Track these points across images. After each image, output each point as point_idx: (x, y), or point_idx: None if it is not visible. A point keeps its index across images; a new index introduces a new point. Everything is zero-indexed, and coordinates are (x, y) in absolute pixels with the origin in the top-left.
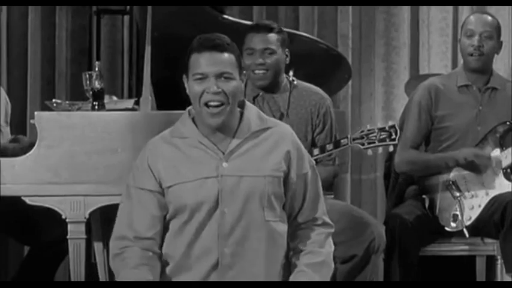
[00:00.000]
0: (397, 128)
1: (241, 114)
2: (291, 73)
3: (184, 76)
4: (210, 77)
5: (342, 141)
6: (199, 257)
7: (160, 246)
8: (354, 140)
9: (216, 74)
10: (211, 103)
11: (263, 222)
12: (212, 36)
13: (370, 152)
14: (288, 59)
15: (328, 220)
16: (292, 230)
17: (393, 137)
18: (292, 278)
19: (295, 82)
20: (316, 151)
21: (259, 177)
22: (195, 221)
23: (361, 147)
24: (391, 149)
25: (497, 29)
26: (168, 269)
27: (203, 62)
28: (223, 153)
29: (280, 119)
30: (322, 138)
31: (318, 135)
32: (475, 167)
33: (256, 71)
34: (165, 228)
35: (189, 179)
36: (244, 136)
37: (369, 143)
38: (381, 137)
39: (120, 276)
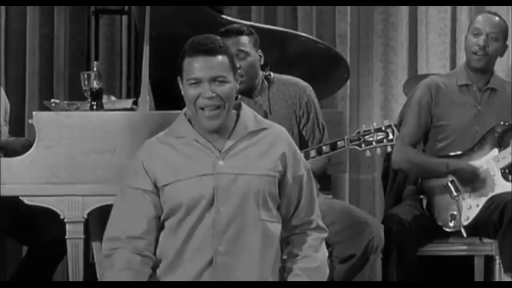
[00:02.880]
0: (394, 127)
1: (238, 115)
2: (267, 69)
3: (178, 78)
4: (204, 81)
5: (339, 143)
6: (193, 255)
7: (154, 248)
8: (350, 141)
9: (209, 78)
10: (207, 108)
11: (258, 221)
12: (205, 39)
13: (368, 153)
14: (262, 60)
15: (322, 224)
16: (287, 233)
17: (390, 137)
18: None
19: (272, 76)
20: (313, 153)
21: (255, 176)
22: (191, 218)
23: (359, 149)
24: (389, 149)
25: (505, 31)
26: (161, 268)
27: (196, 67)
28: (220, 152)
29: (265, 118)
30: (310, 127)
31: (305, 126)
32: (469, 181)
33: None
34: (160, 229)
35: (185, 177)
36: (240, 136)
37: (366, 144)
38: (378, 137)
39: (105, 277)
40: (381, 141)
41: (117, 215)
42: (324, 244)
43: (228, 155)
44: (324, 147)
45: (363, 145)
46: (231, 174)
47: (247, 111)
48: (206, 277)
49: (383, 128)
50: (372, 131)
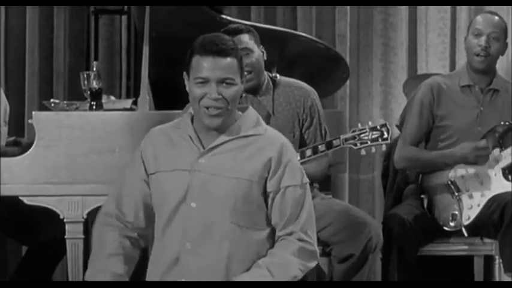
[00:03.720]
0: (389, 126)
1: (239, 117)
2: (274, 70)
3: (184, 74)
4: (211, 82)
5: (334, 142)
6: (164, 250)
7: (145, 235)
8: (346, 140)
9: (217, 79)
10: (211, 108)
11: (228, 224)
12: (216, 39)
13: (363, 151)
14: (265, 55)
15: (309, 239)
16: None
17: (385, 136)
18: (243, 275)
19: (278, 78)
20: (308, 152)
21: (232, 178)
22: (165, 213)
23: (354, 147)
24: (384, 148)
25: (505, 30)
26: (149, 262)
27: (205, 67)
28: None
29: (268, 119)
30: (312, 132)
31: (307, 130)
32: (474, 160)
33: None
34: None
35: (167, 169)
36: (231, 137)
37: (361, 143)
38: (373, 136)
39: (94, 255)
40: (375, 139)
41: (115, 191)
42: (304, 254)
43: (209, 154)
44: (319, 146)
45: (358, 144)
46: (206, 173)
47: (250, 115)
48: (172, 274)
49: (378, 127)
50: (367, 130)
